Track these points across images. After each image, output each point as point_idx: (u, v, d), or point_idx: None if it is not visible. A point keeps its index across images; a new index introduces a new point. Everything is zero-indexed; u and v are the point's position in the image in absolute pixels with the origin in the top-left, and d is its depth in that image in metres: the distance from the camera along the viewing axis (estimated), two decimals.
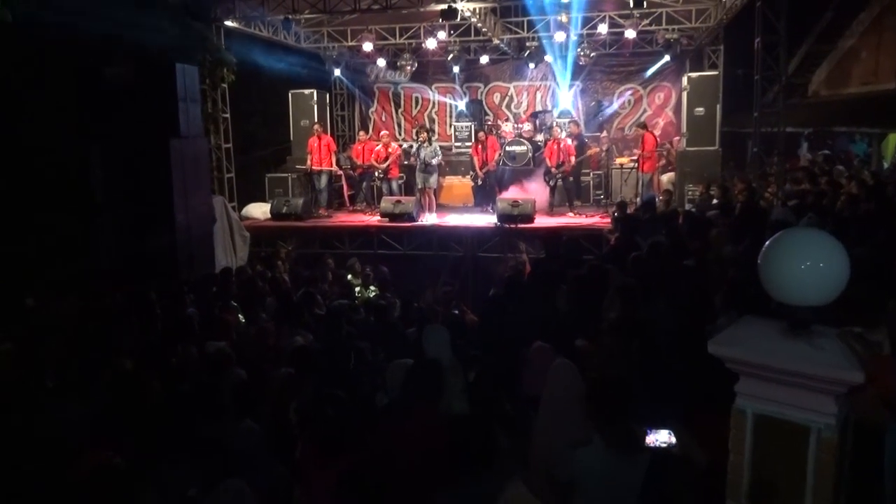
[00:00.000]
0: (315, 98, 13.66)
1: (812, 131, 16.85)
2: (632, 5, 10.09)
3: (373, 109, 15.95)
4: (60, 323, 5.65)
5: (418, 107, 15.66)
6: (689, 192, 11.10)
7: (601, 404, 2.83)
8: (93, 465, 3.10)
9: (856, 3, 15.11)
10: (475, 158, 12.31)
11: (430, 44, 12.46)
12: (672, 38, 12.06)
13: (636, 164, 11.67)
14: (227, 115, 11.61)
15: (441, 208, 12.23)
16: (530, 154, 12.72)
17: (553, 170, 11.68)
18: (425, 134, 11.75)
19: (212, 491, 2.98)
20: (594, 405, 2.86)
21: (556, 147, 11.66)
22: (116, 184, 8.23)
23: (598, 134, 13.78)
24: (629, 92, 14.38)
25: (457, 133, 14.40)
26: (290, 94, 13.81)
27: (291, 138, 13.87)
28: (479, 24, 11.64)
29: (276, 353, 5.14)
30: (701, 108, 11.73)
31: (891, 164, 13.91)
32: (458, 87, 15.17)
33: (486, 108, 15.10)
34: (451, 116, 15.21)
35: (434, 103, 15.47)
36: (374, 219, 11.97)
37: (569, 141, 11.81)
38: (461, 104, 15.05)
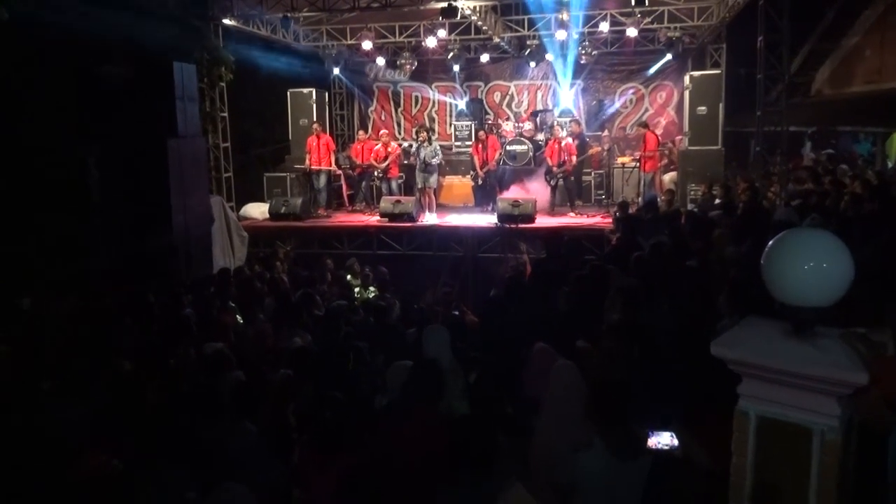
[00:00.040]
0: (314, 97, 13.65)
1: (815, 130, 16.86)
2: (633, 3, 10.10)
3: (372, 108, 15.94)
4: (57, 324, 5.65)
5: (418, 106, 15.66)
6: (692, 192, 11.09)
7: (602, 407, 2.83)
8: (91, 467, 3.11)
9: (859, 1, 15.10)
10: (475, 158, 12.32)
11: (430, 42, 12.46)
12: (674, 37, 12.05)
13: (638, 164, 11.67)
14: (225, 115, 11.61)
15: (441, 208, 12.23)
16: (531, 153, 12.72)
17: (554, 169, 11.68)
18: (425, 133, 11.74)
19: (210, 493, 2.98)
20: (595, 407, 2.86)
21: (557, 146, 11.66)
22: (114, 183, 8.23)
23: (600, 133, 13.78)
24: (631, 91, 14.38)
25: (457, 132, 14.40)
26: (288, 93, 13.81)
27: (290, 137, 13.86)
28: (480, 23, 11.64)
29: (274, 354, 5.15)
30: (703, 108, 11.73)
31: (895, 163, 13.92)
32: (458, 85, 15.16)
33: (486, 107, 15.10)
34: (451, 115, 15.21)
35: (434, 102, 15.47)
36: (373, 219, 11.97)
37: (570, 140, 11.81)
38: (461, 103, 15.04)
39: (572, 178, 12.02)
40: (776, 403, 1.63)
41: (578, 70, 13.90)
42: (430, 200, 11.70)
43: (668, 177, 12.20)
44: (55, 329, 5.50)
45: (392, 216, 11.44)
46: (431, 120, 15.33)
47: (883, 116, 13.56)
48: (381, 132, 13.60)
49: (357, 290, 8.88)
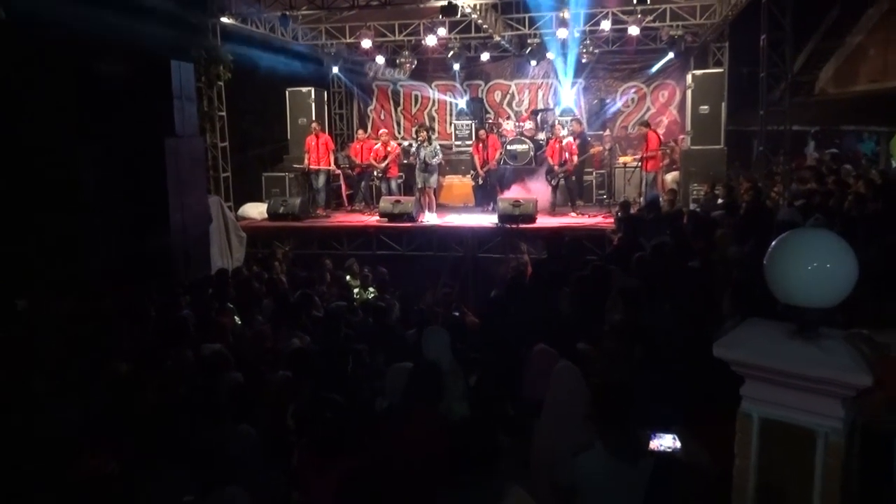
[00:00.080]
0: (313, 96, 13.66)
1: (819, 130, 16.85)
2: (635, 1, 10.10)
3: (371, 108, 15.95)
4: (53, 324, 5.65)
5: (418, 105, 15.67)
6: (694, 192, 11.10)
7: (603, 408, 2.83)
8: (89, 468, 3.11)
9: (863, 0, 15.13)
10: (476, 157, 12.33)
11: (430, 41, 12.46)
12: (676, 35, 12.06)
13: (640, 164, 11.67)
14: (224, 114, 11.62)
15: (441, 208, 12.23)
16: (532, 153, 12.73)
17: (555, 169, 11.68)
18: (425, 133, 11.74)
19: (208, 497, 2.99)
20: (596, 409, 2.86)
21: (558, 146, 11.67)
22: (111, 183, 8.22)
23: (601, 132, 13.78)
24: (632, 90, 14.39)
25: (457, 131, 14.41)
26: (287, 92, 13.82)
27: (288, 137, 13.87)
28: (480, 21, 11.65)
29: (273, 355, 5.14)
30: (706, 107, 11.74)
31: None
32: (458, 84, 15.18)
33: (486, 106, 15.11)
34: (451, 115, 15.22)
35: (434, 101, 15.48)
36: (372, 219, 11.97)
37: (571, 139, 11.82)
38: (461, 102, 15.05)
39: (573, 178, 12.03)
40: (779, 405, 1.63)
41: (580, 69, 13.91)
42: (429, 200, 11.70)
43: (671, 176, 12.21)
44: (51, 330, 5.49)
45: (391, 216, 11.44)
46: (431, 119, 15.34)
47: (887, 115, 13.54)
48: (381, 131, 13.61)
49: (356, 290, 8.88)
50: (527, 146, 12.78)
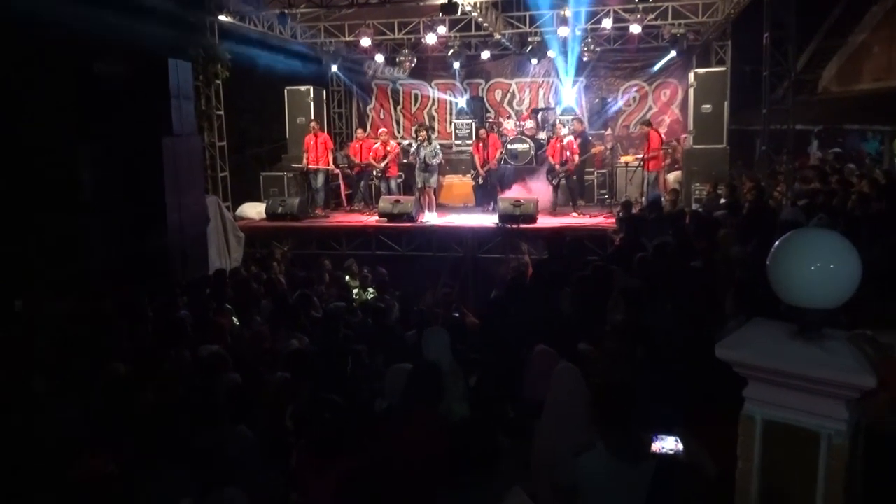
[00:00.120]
0: (311, 95, 13.66)
1: (822, 129, 16.84)
2: None
3: (371, 106, 15.95)
4: (50, 325, 5.65)
5: (417, 104, 15.67)
6: (696, 192, 11.10)
7: (605, 410, 2.83)
8: (87, 470, 3.11)
9: None
10: (476, 157, 12.33)
11: (430, 39, 12.45)
12: (678, 33, 12.06)
13: (641, 163, 11.68)
14: (221, 113, 11.61)
15: (441, 208, 12.23)
16: (533, 152, 12.73)
17: (556, 168, 11.69)
18: (425, 133, 11.72)
19: (206, 498, 2.99)
20: (598, 411, 2.86)
21: (559, 145, 11.67)
22: (108, 183, 8.23)
23: (603, 131, 13.76)
24: (634, 88, 14.38)
25: (457, 131, 14.41)
26: (285, 91, 13.82)
27: (287, 136, 13.87)
28: (480, 19, 11.65)
29: (271, 356, 5.14)
30: (708, 105, 11.73)
31: None
32: (458, 83, 15.17)
33: (487, 105, 15.11)
34: (451, 114, 15.22)
35: (434, 100, 15.48)
36: (372, 219, 11.97)
37: (572, 139, 11.81)
38: (461, 101, 15.05)
39: (575, 178, 12.02)
40: (783, 407, 1.63)
41: (581, 67, 13.90)
42: (429, 200, 11.70)
43: (673, 176, 12.21)
44: (48, 330, 5.50)
45: (391, 216, 11.44)
46: (431, 118, 15.34)
47: (891, 114, 13.56)
48: (380, 131, 13.61)
49: (355, 291, 8.88)
50: (527, 145, 12.78)
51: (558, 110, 14.05)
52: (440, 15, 11.16)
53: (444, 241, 11.05)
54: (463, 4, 10.33)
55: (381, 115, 15.85)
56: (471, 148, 12.84)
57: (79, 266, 7.82)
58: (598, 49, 13.24)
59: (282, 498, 3.42)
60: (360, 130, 13.68)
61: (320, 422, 3.38)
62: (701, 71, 12.28)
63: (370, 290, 8.86)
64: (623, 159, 12.75)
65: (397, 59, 13.81)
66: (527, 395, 3.94)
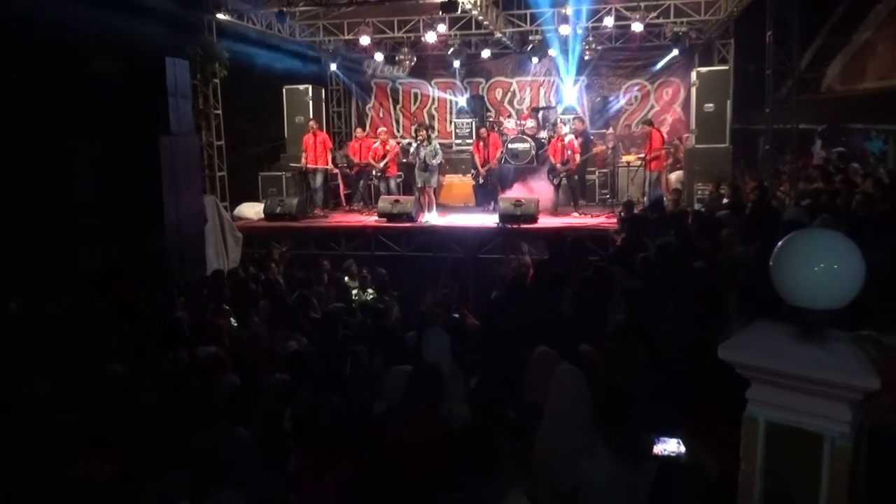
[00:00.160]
0: (310, 94, 13.65)
1: (826, 128, 16.86)
2: None
3: (370, 105, 15.96)
4: (46, 326, 5.66)
5: (417, 103, 15.67)
6: (699, 192, 11.10)
7: (606, 412, 2.84)
8: (84, 472, 3.12)
9: None
10: (476, 156, 12.33)
11: (430, 37, 12.45)
12: (681, 32, 12.06)
13: (643, 163, 11.68)
14: (219, 112, 11.62)
15: (441, 208, 12.22)
16: (533, 152, 12.73)
17: (557, 168, 11.69)
18: (424, 132, 11.71)
19: (204, 500, 2.99)
20: (599, 412, 2.87)
21: (560, 144, 11.67)
22: (104, 183, 8.23)
23: (604, 131, 13.78)
24: (636, 87, 14.39)
25: (457, 130, 14.42)
26: (284, 90, 13.82)
27: (286, 135, 13.87)
28: (481, 17, 11.64)
29: (269, 358, 5.14)
30: (710, 104, 11.73)
31: None
32: (458, 82, 15.18)
33: (487, 104, 15.12)
34: (451, 113, 15.23)
35: (434, 99, 15.48)
36: (371, 219, 11.97)
37: (573, 138, 11.82)
38: (462, 100, 15.06)
39: (576, 177, 12.03)
40: (786, 409, 1.63)
41: (582, 66, 13.90)
42: (429, 200, 11.70)
43: (675, 176, 12.21)
44: (44, 331, 5.50)
45: (390, 216, 11.44)
46: (431, 117, 15.35)
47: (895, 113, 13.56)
48: (380, 130, 13.61)
49: (355, 292, 8.89)
50: (528, 145, 12.79)
51: (559, 109, 14.05)
52: (440, 13, 11.16)
53: (444, 242, 11.05)
54: (463, 2, 10.33)
55: (381, 115, 15.85)
56: (471, 147, 12.84)
57: (75, 266, 7.82)
58: (599, 47, 13.24)
59: (280, 500, 3.42)
60: (359, 130, 13.68)
61: (319, 424, 3.39)
62: (703, 70, 12.28)
63: (369, 290, 8.87)
64: (625, 159, 12.75)
65: (397, 58, 13.81)
66: (527, 396, 3.94)
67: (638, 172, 12.12)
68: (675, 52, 12.84)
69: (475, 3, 10.94)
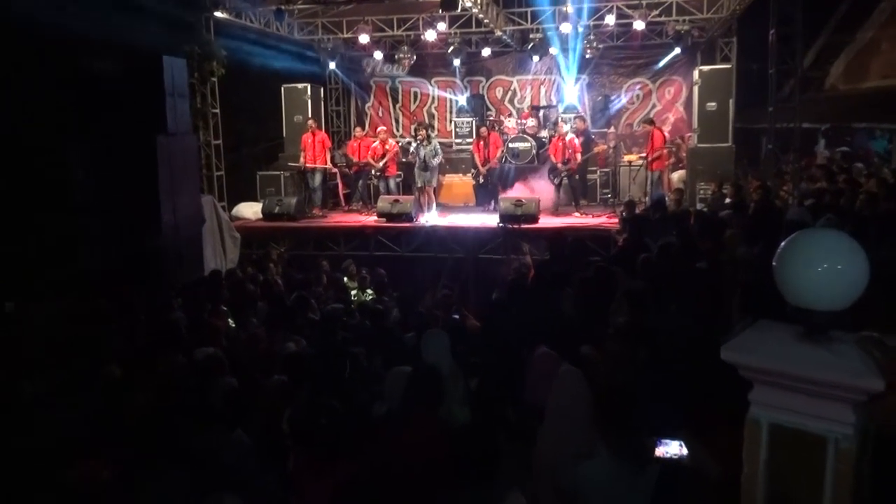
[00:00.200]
0: (309, 92, 13.65)
1: (829, 127, 16.85)
2: None
3: (369, 104, 15.96)
4: (42, 328, 5.66)
5: (417, 102, 15.67)
6: (701, 191, 11.10)
7: (608, 414, 2.84)
8: (80, 475, 3.12)
9: None
10: (476, 155, 12.33)
11: (430, 36, 12.46)
12: (683, 30, 12.06)
13: (645, 162, 11.68)
14: (217, 111, 11.61)
15: (441, 208, 12.23)
16: (534, 151, 12.74)
17: (558, 167, 11.69)
18: (424, 132, 11.72)
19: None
20: (600, 414, 2.87)
21: (561, 144, 11.68)
22: (101, 183, 8.23)
23: (606, 130, 13.78)
24: (638, 86, 14.39)
25: (457, 129, 14.42)
26: (282, 89, 13.82)
27: (284, 135, 13.87)
28: (481, 15, 11.64)
29: (268, 359, 5.15)
30: (713, 103, 11.73)
31: None
32: (458, 81, 15.18)
33: (488, 102, 15.12)
34: (451, 112, 15.23)
35: (433, 98, 15.49)
36: (370, 219, 11.97)
37: (574, 137, 11.82)
38: (462, 99, 15.06)
39: (577, 177, 12.03)
40: (789, 411, 1.63)
41: (583, 64, 13.90)
42: (429, 199, 11.70)
43: (677, 175, 12.21)
44: (40, 333, 5.50)
45: (390, 216, 11.44)
46: (431, 116, 15.35)
47: None
48: (379, 129, 13.61)
49: (354, 292, 8.89)
50: (529, 144, 12.79)
51: (560, 108, 14.05)
52: (440, 11, 11.16)
53: (443, 242, 11.05)
54: (463, 0, 10.33)
55: (380, 114, 15.85)
56: (471, 147, 12.84)
57: (72, 267, 7.82)
58: (600, 46, 13.24)
59: (279, 502, 3.42)
60: (358, 129, 13.69)
61: (317, 425, 3.39)
62: (706, 68, 12.27)
63: (369, 291, 8.87)
64: (626, 158, 12.76)
65: (396, 57, 13.80)
66: (528, 398, 3.94)
67: (640, 172, 12.12)
68: (678, 50, 12.83)
69: (475, 0, 10.94)
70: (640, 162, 12.01)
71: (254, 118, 15.08)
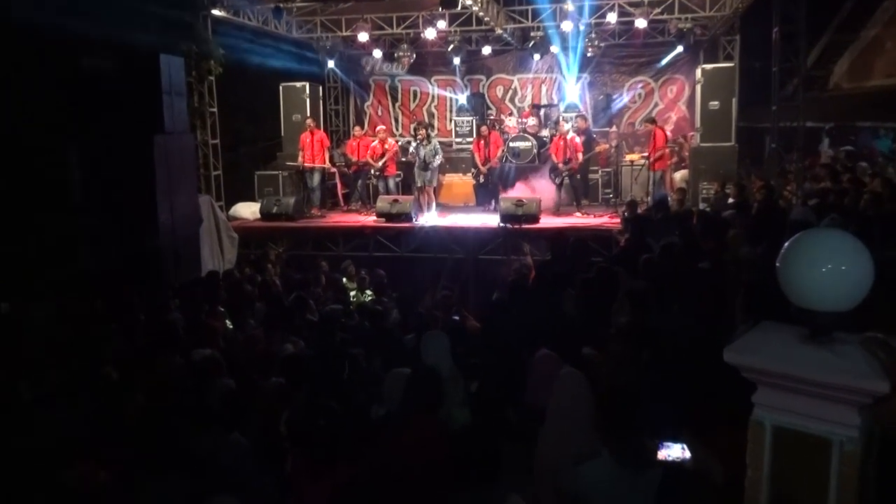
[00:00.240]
0: (307, 91, 13.66)
1: (833, 126, 16.85)
2: None
3: (368, 103, 15.95)
4: (37, 328, 5.66)
5: (416, 101, 15.67)
6: (704, 191, 11.09)
7: (609, 415, 2.83)
8: (77, 478, 3.11)
9: None
10: (477, 155, 12.32)
11: (429, 34, 12.46)
12: (685, 28, 12.06)
13: (647, 161, 11.68)
14: (215, 110, 11.61)
15: (441, 208, 12.23)
16: (535, 150, 12.74)
17: (559, 167, 11.69)
18: (424, 131, 11.71)
19: None
20: (602, 416, 2.86)
21: (562, 143, 11.67)
22: (97, 183, 8.23)
23: (607, 129, 13.79)
24: (640, 85, 14.38)
25: (457, 128, 14.41)
26: (280, 88, 13.82)
27: (282, 134, 13.87)
28: (481, 13, 11.64)
29: (265, 361, 5.15)
30: (716, 102, 11.73)
31: None
32: (458, 79, 15.17)
33: (488, 101, 15.12)
34: (451, 111, 15.23)
35: (433, 97, 15.48)
36: (369, 219, 11.97)
37: (576, 136, 11.82)
38: (462, 98, 15.06)
39: (578, 177, 12.03)
40: (793, 413, 1.63)
41: (585, 63, 13.90)
42: (429, 199, 11.70)
43: (679, 175, 12.21)
44: (35, 334, 5.50)
45: (389, 216, 11.44)
46: (431, 115, 15.35)
47: None
48: (378, 128, 13.61)
49: (353, 293, 8.89)
50: (530, 143, 12.79)
51: (561, 107, 14.05)
52: (440, 9, 11.17)
53: (443, 242, 11.05)
54: None
55: (379, 113, 15.85)
56: (471, 146, 12.84)
57: (68, 267, 7.82)
58: (602, 44, 13.24)
59: None
60: (357, 128, 13.68)
61: (316, 428, 3.39)
62: (708, 67, 12.27)
63: (368, 292, 8.87)
64: (628, 157, 12.76)
65: (396, 55, 13.80)
66: (529, 400, 3.94)
67: (642, 171, 12.12)
68: (680, 48, 12.83)
69: None
70: (642, 161, 12.00)
71: (252, 117, 15.09)
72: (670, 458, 2.77)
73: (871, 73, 15.94)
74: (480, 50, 14.02)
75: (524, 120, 13.54)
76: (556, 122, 12.75)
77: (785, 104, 11.10)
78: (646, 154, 11.82)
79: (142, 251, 7.99)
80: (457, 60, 13.90)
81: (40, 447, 3.59)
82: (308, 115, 13.14)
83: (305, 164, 12.41)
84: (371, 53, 14.22)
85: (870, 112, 15.34)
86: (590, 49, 13.16)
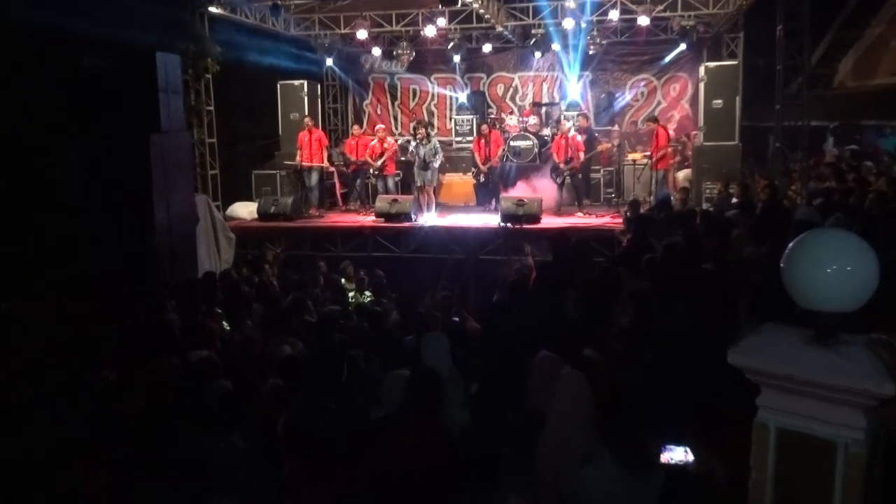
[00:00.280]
0: (305, 90, 13.66)
1: (838, 125, 16.86)
2: None
3: (367, 102, 15.95)
4: (34, 329, 5.66)
5: (416, 99, 15.67)
6: (707, 191, 11.09)
7: (611, 418, 2.83)
8: (75, 480, 3.12)
9: None
10: (477, 154, 12.32)
11: (429, 31, 12.46)
12: (688, 25, 12.07)
13: (649, 161, 11.68)
14: (212, 108, 11.62)
15: (441, 208, 12.23)
16: (536, 149, 12.74)
17: (561, 166, 11.69)
18: (423, 130, 11.71)
19: None
20: (604, 418, 2.86)
21: (563, 142, 11.68)
22: (96, 182, 8.23)
23: (609, 128, 13.79)
24: (642, 83, 14.38)
25: (457, 127, 14.41)
26: (278, 86, 13.82)
27: (280, 133, 13.88)
28: (482, 11, 11.64)
29: (263, 362, 5.15)
30: (719, 101, 11.74)
31: None
32: (458, 77, 15.18)
33: (488, 100, 15.12)
34: (451, 109, 15.23)
35: (433, 95, 15.48)
36: (368, 219, 11.97)
37: (578, 135, 11.82)
38: (462, 96, 15.06)
39: (580, 176, 12.03)
40: (797, 415, 1.63)
41: (586, 61, 13.91)
42: (429, 199, 11.71)
43: (682, 174, 12.21)
44: (31, 334, 5.50)
45: (388, 216, 11.44)
46: (430, 114, 15.35)
47: None
48: (377, 127, 13.60)
49: (351, 294, 8.89)
50: (531, 142, 12.79)
51: (563, 105, 14.05)
52: (439, 6, 11.18)
53: (443, 242, 11.05)
54: None
55: (378, 111, 15.85)
56: (471, 145, 12.84)
57: (68, 267, 7.82)
58: (604, 42, 13.23)
59: None
60: (356, 127, 13.67)
61: (314, 430, 3.39)
62: (711, 64, 12.28)
63: (367, 293, 8.87)
64: (630, 157, 12.76)
65: (395, 53, 13.80)
66: (530, 402, 3.94)
67: (644, 171, 12.11)
68: (683, 46, 12.84)
69: None
70: (645, 161, 12.00)
71: (249, 116, 15.08)
72: (673, 461, 2.77)
73: (876, 71, 15.95)
74: (481, 48, 14.01)
75: (525, 119, 13.54)
76: (558, 121, 12.77)
77: (789, 102, 11.10)
78: (648, 153, 11.80)
79: (138, 251, 7.99)
80: (457, 58, 13.89)
81: (40, 447, 3.60)
82: (306, 113, 13.15)
83: (303, 164, 12.41)
84: (370, 51, 14.23)
85: (875, 110, 15.36)
86: (591, 47, 13.16)
